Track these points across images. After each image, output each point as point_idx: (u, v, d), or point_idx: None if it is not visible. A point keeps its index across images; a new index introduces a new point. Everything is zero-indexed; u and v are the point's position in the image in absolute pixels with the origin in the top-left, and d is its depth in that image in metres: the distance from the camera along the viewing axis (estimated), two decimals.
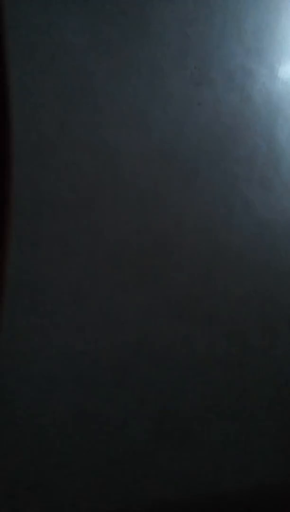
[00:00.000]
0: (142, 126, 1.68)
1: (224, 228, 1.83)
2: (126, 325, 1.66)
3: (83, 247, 1.58)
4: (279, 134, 1.92)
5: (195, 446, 1.80)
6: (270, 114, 1.91)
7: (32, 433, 1.52)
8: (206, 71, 1.78)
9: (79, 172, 1.58)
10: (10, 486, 1.50)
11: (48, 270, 1.53)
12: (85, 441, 1.61)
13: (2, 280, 1.06)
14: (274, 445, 1.96)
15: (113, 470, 1.66)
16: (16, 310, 1.48)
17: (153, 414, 1.72)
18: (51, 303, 1.54)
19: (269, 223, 1.92)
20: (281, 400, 1.98)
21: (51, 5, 1.50)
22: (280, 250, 1.96)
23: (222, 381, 1.85)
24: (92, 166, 1.60)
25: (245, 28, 1.82)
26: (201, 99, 1.78)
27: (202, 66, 1.77)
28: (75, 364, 1.57)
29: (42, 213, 1.52)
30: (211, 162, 1.81)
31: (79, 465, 1.60)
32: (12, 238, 1.34)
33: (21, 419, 1.50)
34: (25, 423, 1.51)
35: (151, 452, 1.72)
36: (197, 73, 1.77)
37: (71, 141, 1.56)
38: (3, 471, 1.49)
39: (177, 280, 1.76)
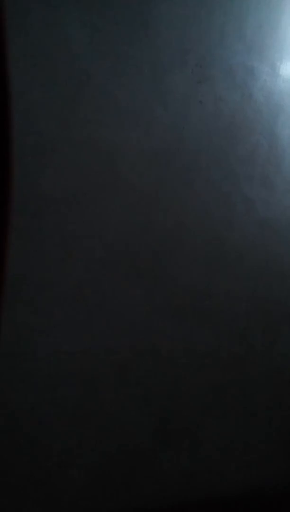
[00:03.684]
0: (143, 125, 1.67)
1: (225, 227, 1.82)
2: (127, 324, 1.66)
3: (84, 246, 1.58)
4: (281, 132, 1.91)
5: (196, 445, 1.80)
6: (272, 112, 1.89)
7: (33, 432, 1.52)
8: (207, 68, 1.77)
9: (79, 170, 1.57)
10: (11, 485, 1.49)
11: (49, 269, 1.53)
12: (86, 440, 1.60)
13: (2, 279, 1.06)
14: (276, 445, 1.96)
15: (114, 469, 1.65)
16: (17, 309, 1.48)
17: (154, 414, 1.71)
18: (52, 302, 1.53)
19: (270, 222, 1.91)
20: (282, 400, 1.97)
21: (51, 2, 1.49)
22: (281, 249, 1.95)
23: (223, 381, 1.84)
24: (92, 165, 1.59)
25: (247, 26, 1.81)
26: (202, 97, 1.77)
27: (203, 63, 1.76)
28: (76, 363, 1.57)
29: (43, 212, 1.51)
30: (212, 160, 1.80)
31: (79, 464, 1.59)
32: (12, 237, 1.33)
33: (21, 418, 1.50)
34: (26, 422, 1.50)
35: (152, 451, 1.71)
36: (198, 70, 1.76)
37: (71, 139, 1.55)
38: (3, 469, 1.49)
39: (178, 280, 1.75)
